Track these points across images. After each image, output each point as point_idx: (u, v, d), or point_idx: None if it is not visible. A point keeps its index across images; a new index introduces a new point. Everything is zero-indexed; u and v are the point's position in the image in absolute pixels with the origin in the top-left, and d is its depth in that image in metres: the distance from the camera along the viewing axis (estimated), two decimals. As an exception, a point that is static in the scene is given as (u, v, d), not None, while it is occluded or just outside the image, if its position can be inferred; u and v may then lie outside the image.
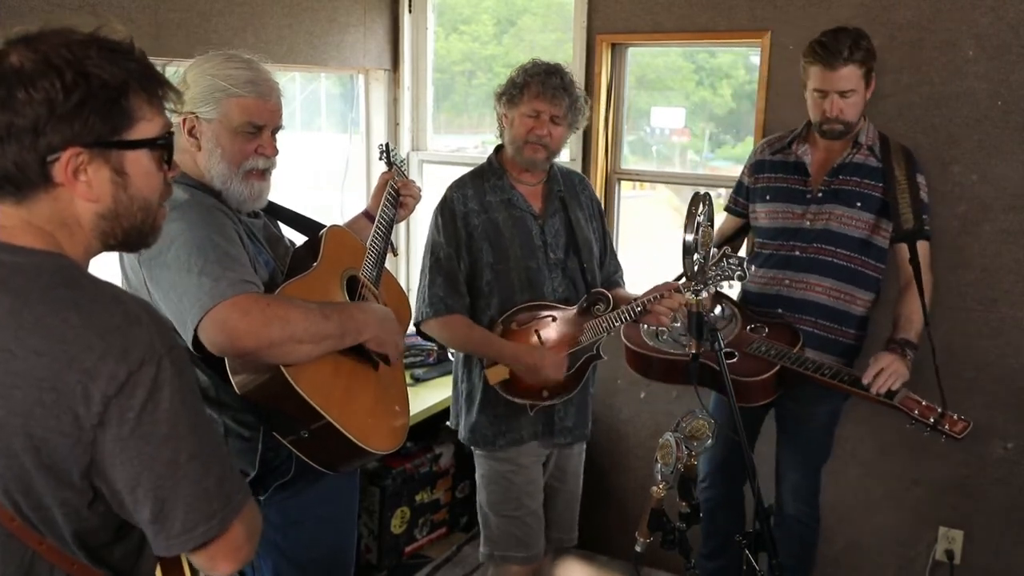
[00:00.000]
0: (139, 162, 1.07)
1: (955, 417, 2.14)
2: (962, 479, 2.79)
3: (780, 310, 2.51)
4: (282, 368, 1.50)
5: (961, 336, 2.70)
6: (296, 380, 1.51)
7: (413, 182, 2.21)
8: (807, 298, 2.47)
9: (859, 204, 2.42)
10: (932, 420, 2.14)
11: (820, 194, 2.46)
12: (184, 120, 1.64)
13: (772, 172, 2.56)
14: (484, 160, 2.42)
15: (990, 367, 2.69)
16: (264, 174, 1.71)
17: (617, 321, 2.20)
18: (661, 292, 2.17)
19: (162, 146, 1.10)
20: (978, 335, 2.69)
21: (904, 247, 2.41)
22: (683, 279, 2.11)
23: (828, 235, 2.44)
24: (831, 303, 2.46)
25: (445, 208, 2.32)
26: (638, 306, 2.17)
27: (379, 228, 1.99)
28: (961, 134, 2.62)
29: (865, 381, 2.23)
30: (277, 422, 1.56)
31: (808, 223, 2.47)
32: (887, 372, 2.22)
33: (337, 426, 1.55)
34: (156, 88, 1.07)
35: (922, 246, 2.41)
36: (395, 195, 2.11)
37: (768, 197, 2.55)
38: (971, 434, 2.59)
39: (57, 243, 1.05)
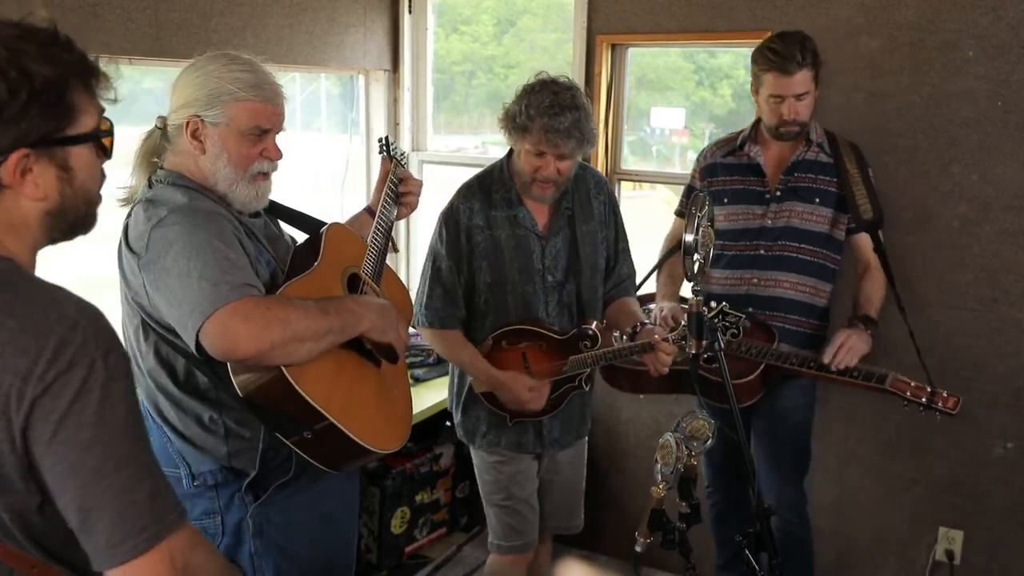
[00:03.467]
0: (83, 156, 1.06)
1: (945, 394, 2.27)
2: (962, 479, 2.78)
3: (750, 309, 2.52)
4: (283, 369, 1.49)
5: (961, 336, 2.70)
6: (297, 380, 1.50)
7: (413, 177, 2.18)
8: (776, 295, 2.52)
9: (817, 200, 2.49)
10: (924, 399, 2.26)
11: (779, 193, 2.51)
12: (188, 122, 1.63)
13: (727, 175, 2.60)
14: (489, 161, 2.39)
15: (990, 367, 2.68)
16: (268, 175, 1.72)
17: (601, 361, 2.27)
18: (654, 345, 2.19)
19: (104, 137, 1.09)
20: (978, 335, 2.69)
21: (863, 236, 2.52)
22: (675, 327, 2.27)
23: (791, 232, 2.50)
24: (798, 297, 2.52)
25: (450, 219, 2.29)
26: (626, 352, 2.24)
27: (379, 225, 1.99)
28: (961, 134, 2.62)
29: (826, 360, 2.35)
30: (279, 423, 1.55)
31: (770, 222, 2.52)
32: (845, 347, 2.35)
33: (340, 426, 1.54)
34: (91, 78, 1.06)
35: (880, 234, 2.51)
36: (395, 191, 2.10)
37: (726, 200, 2.59)
38: (971, 434, 2.59)
39: (4, 246, 1.03)
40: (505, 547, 2.44)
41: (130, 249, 1.57)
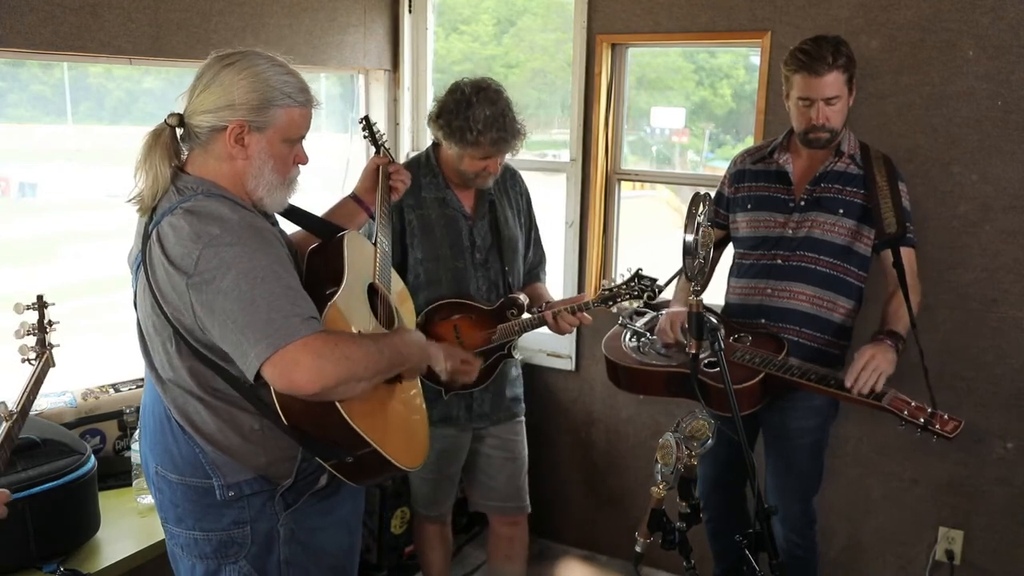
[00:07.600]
0: None
1: (945, 417, 2.09)
2: (962, 479, 2.78)
3: (763, 320, 2.48)
4: (337, 403, 1.49)
5: (961, 336, 2.70)
6: (349, 413, 1.51)
7: (395, 161, 2.17)
8: (789, 307, 2.44)
9: (841, 211, 2.40)
10: (922, 420, 2.09)
11: (803, 202, 2.43)
12: (231, 128, 1.53)
13: (753, 181, 2.55)
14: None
15: (990, 367, 2.69)
16: (296, 179, 1.69)
17: (527, 327, 2.42)
18: (571, 308, 2.34)
19: None
20: (978, 335, 2.69)
21: (889, 253, 2.38)
22: (601, 295, 2.37)
23: (811, 242, 2.42)
24: (813, 311, 2.43)
25: None
26: (550, 316, 2.36)
27: (384, 226, 1.99)
28: (961, 134, 2.62)
29: (848, 383, 2.16)
30: (322, 448, 1.55)
31: (791, 231, 2.44)
32: (869, 368, 2.16)
33: (382, 452, 1.56)
34: None
35: (907, 253, 2.37)
36: (389, 183, 2.09)
37: (750, 206, 2.53)
38: (971, 434, 2.58)
39: None
40: (422, 515, 2.67)
41: (172, 264, 1.48)
